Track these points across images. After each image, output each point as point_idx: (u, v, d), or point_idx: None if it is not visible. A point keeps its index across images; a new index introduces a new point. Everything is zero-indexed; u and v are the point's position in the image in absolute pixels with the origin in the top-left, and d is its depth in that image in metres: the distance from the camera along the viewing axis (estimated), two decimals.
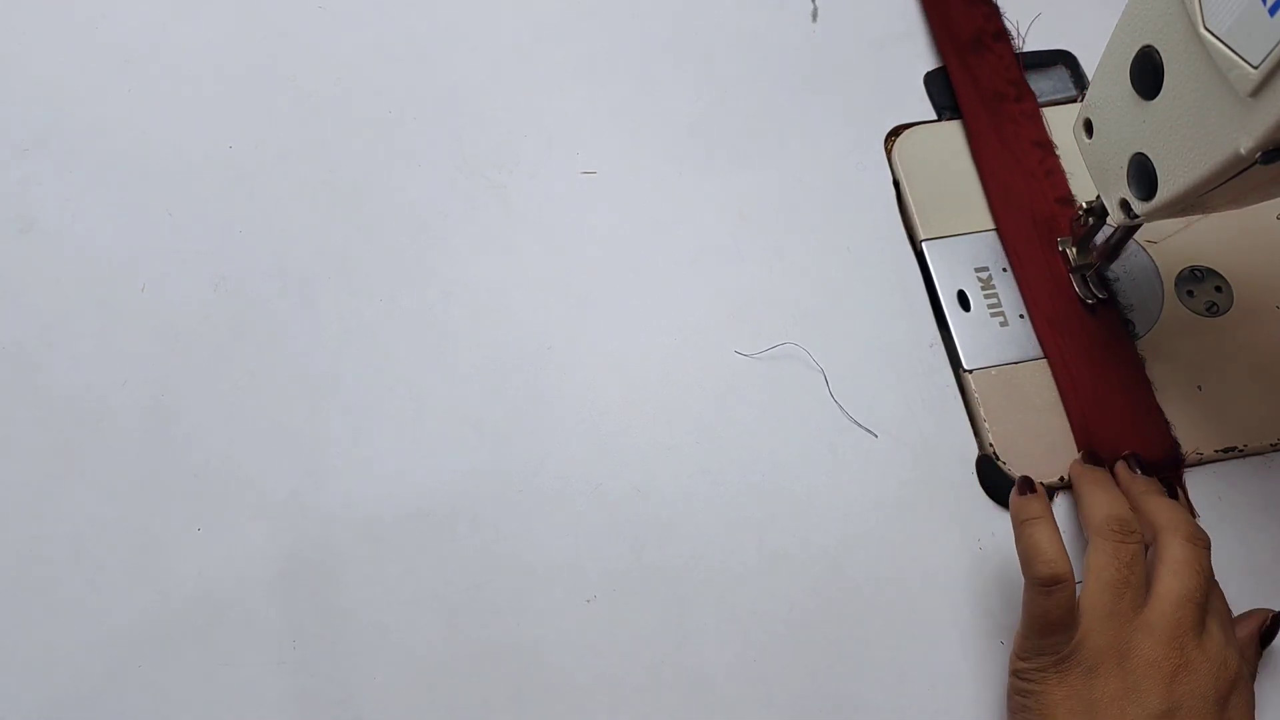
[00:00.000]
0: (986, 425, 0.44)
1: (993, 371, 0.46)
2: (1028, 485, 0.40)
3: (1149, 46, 0.35)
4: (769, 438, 0.44)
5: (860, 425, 0.45)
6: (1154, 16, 0.34)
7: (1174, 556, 0.37)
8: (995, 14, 0.54)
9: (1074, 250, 0.47)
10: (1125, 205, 0.39)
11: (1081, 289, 0.47)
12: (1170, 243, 0.48)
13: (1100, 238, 0.46)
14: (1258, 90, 0.30)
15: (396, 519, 0.43)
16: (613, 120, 0.53)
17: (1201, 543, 0.38)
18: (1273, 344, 0.46)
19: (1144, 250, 0.48)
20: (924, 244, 0.49)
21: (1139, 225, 0.42)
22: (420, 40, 0.55)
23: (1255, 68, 0.29)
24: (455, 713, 0.39)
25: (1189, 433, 0.44)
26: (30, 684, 0.40)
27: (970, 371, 0.46)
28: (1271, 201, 0.36)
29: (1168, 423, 0.44)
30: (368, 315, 0.47)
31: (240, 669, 0.40)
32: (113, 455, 0.44)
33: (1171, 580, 0.36)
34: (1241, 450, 0.44)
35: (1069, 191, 0.49)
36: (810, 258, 0.49)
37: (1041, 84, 0.53)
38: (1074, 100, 0.53)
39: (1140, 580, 0.37)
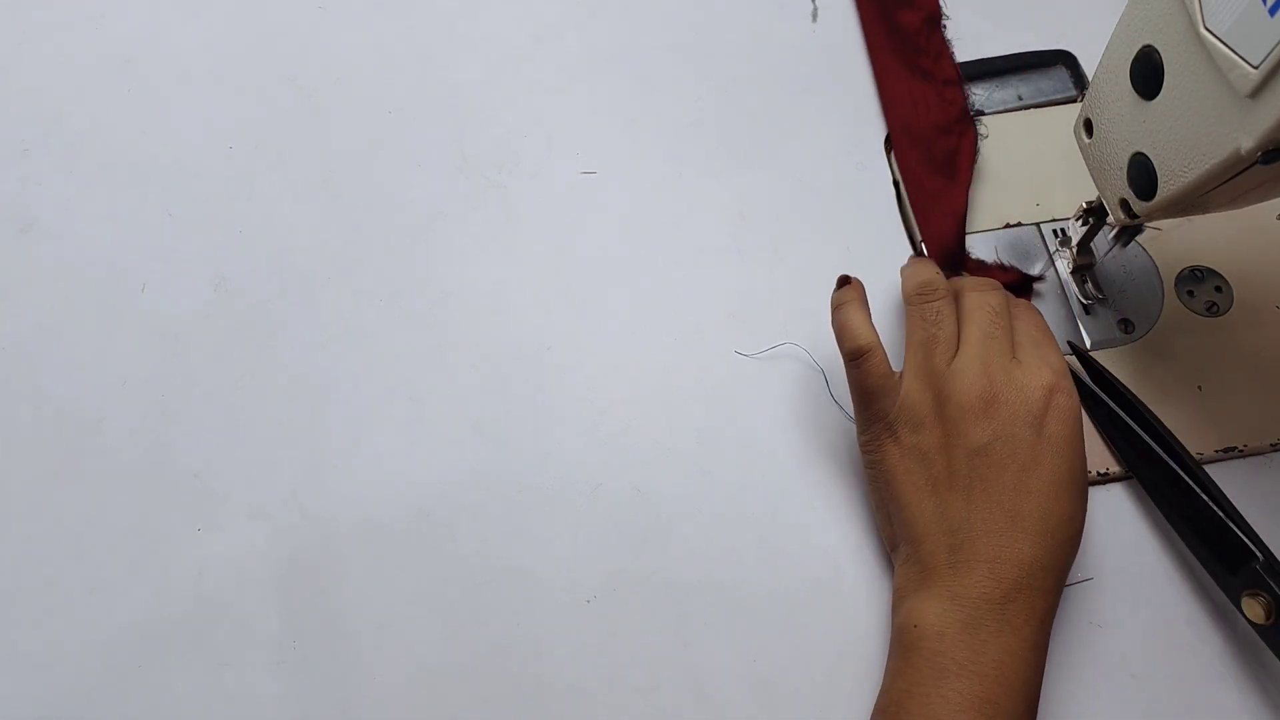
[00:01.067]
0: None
1: None
2: (845, 280, 0.43)
3: (1149, 46, 0.35)
4: (769, 438, 0.44)
5: None
6: (1154, 16, 0.34)
7: (965, 305, 0.41)
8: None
9: (1074, 250, 0.47)
10: (1125, 205, 0.39)
11: (1081, 289, 0.47)
12: (1170, 243, 0.48)
13: (1100, 238, 0.46)
14: (1258, 90, 0.30)
15: (396, 519, 0.43)
16: (613, 120, 0.53)
17: (988, 286, 0.42)
18: (1273, 344, 0.46)
19: (1144, 250, 0.48)
20: (924, 244, 0.49)
21: (1139, 225, 0.42)
22: (420, 40, 0.55)
23: (1255, 68, 0.29)
24: (455, 713, 0.39)
25: (1189, 433, 0.44)
26: (30, 684, 0.40)
27: None
28: (1271, 201, 0.36)
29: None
30: (368, 316, 0.47)
31: (240, 669, 0.40)
32: (112, 455, 0.44)
33: (968, 326, 0.40)
34: (1241, 450, 0.44)
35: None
36: (810, 258, 0.49)
37: (1041, 84, 0.53)
38: (1074, 100, 0.53)
39: (949, 335, 0.40)
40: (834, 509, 0.43)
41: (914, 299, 0.41)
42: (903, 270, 0.44)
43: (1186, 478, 0.40)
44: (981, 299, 0.41)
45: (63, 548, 0.42)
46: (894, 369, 0.41)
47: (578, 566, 0.42)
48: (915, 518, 0.38)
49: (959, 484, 0.37)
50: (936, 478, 0.38)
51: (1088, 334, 0.46)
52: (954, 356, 0.39)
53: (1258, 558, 0.37)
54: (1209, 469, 0.43)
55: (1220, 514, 0.39)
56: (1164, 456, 0.41)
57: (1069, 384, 0.39)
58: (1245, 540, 0.38)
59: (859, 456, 0.43)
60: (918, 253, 0.49)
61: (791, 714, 0.39)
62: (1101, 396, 0.43)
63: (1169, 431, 0.41)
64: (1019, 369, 0.38)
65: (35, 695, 0.39)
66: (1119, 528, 0.42)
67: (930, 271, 0.42)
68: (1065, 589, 0.38)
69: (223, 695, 0.40)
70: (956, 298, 0.42)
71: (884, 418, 0.40)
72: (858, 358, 0.40)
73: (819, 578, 0.42)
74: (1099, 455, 0.43)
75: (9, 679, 0.40)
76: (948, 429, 0.38)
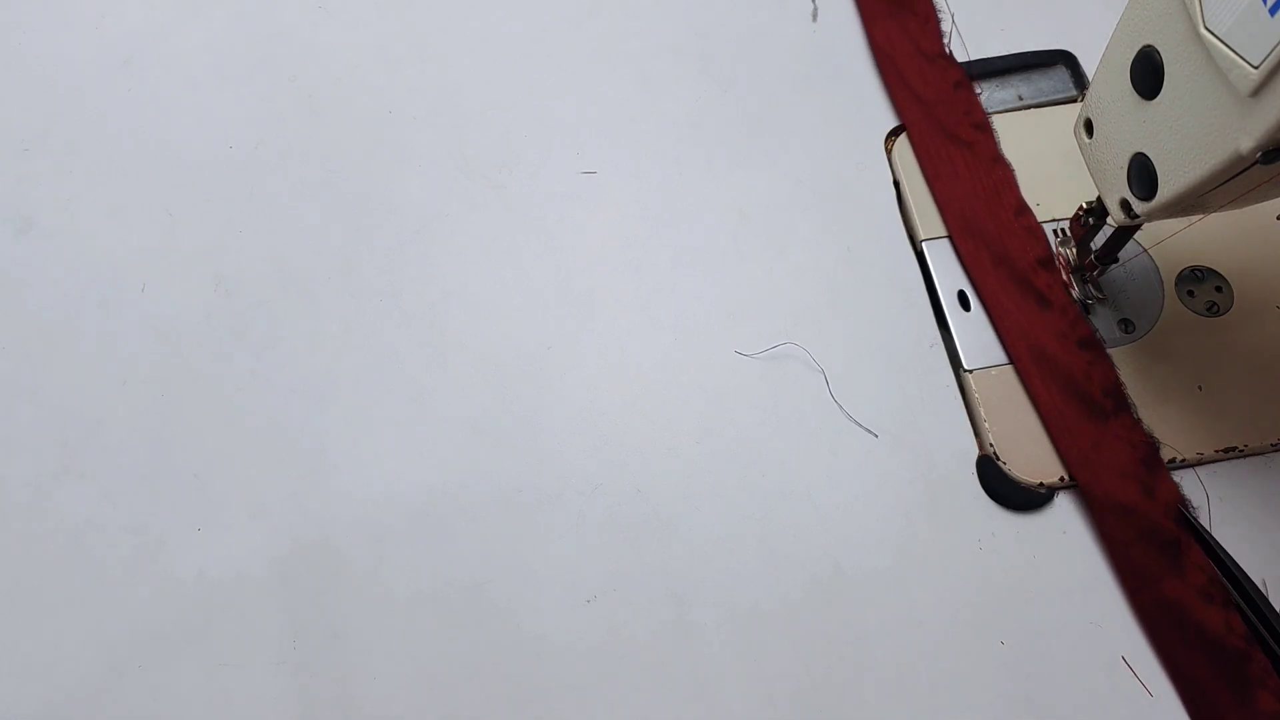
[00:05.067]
0: (986, 425, 0.44)
1: (993, 371, 0.46)
2: None
3: (1149, 46, 0.35)
4: (769, 438, 0.44)
5: (860, 425, 0.45)
6: (1154, 16, 0.34)
7: None
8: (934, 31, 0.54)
9: (1074, 250, 0.47)
10: (1125, 205, 0.39)
11: (1081, 289, 0.47)
12: (1170, 243, 0.48)
13: (1100, 238, 0.46)
14: (1258, 90, 0.30)
15: (396, 518, 0.43)
16: (613, 120, 0.53)
17: None
18: (1273, 344, 0.46)
19: (1144, 250, 0.48)
20: (924, 244, 0.49)
21: (1139, 225, 0.42)
22: (420, 40, 0.55)
23: (1255, 68, 0.29)
24: (455, 713, 0.39)
25: (1189, 433, 0.44)
26: (30, 684, 0.40)
27: (970, 371, 0.46)
28: (1271, 201, 0.36)
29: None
30: (368, 315, 0.47)
31: (240, 669, 0.40)
32: (113, 455, 0.44)
33: None
34: (1241, 450, 0.44)
35: (1026, 207, 0.49)
36: (810, 258, 0.49)
37: (1041, 84, 0.53)
38: (1074, 100, 0.53)
39: None
40: (833, 508, 0.43)
41: None
42: None
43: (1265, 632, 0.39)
44: None
45: (63, 548, 0.42)
46: None
47: (578, 566, 0.42)
48: None
49: None
50: None
51: None
52: None
53: None
54: (1209, 469, 0.44)
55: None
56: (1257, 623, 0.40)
57: None
58: None
59: (859, 458, 0.43)
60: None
61: (791, 714, 0.39)
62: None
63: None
64: None
65: (35, 695, 0.39)
66: None
67: None
68: None
69: (223, 695, 0.39)
70: None
71: None
72: None
73: (819, 578, 0.42)
74: None
75: (9, 679, 0.40)
76: None
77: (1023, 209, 0.48)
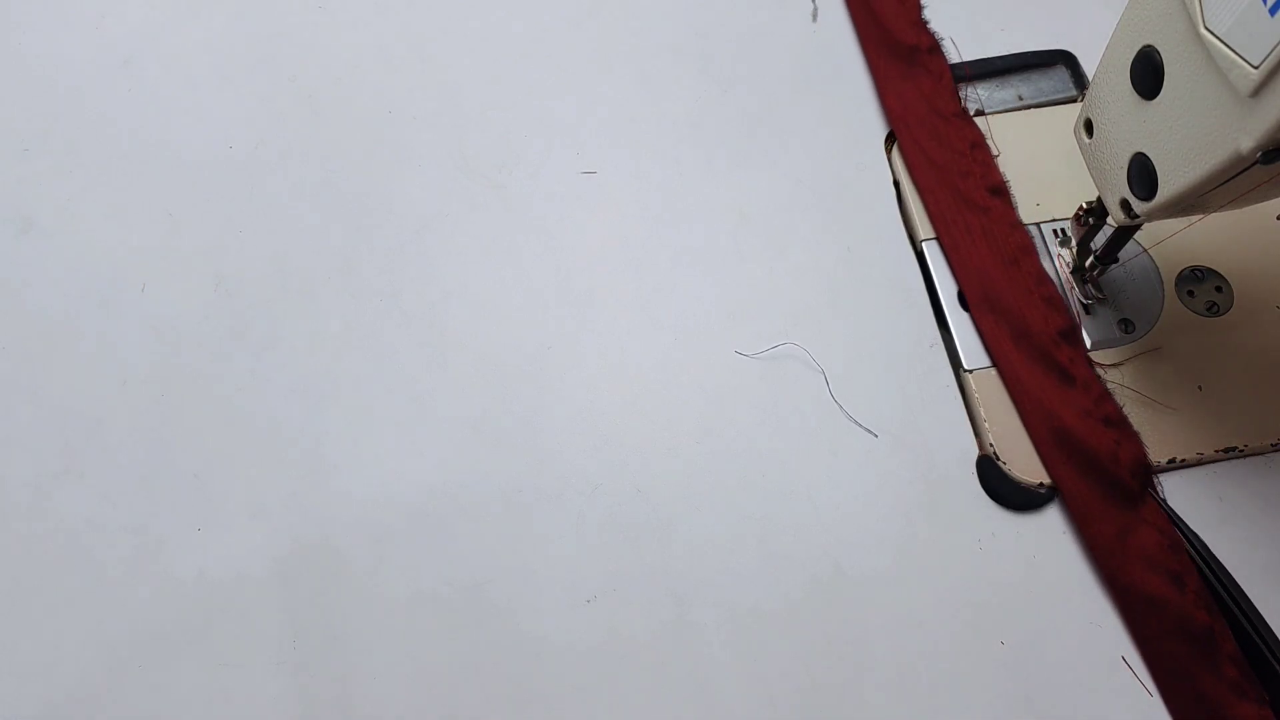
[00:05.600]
0: (986, 425, 0.44)
1: (993, 371, 0.46)
2: None
3: (1149, 46, 0.35)
4: (769, 438, 0.44)
5: (860, 425, 0.45)
6: (1154, 16, 0.34)
7: None
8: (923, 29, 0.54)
9: (1074, 250, 0.47)
10: (1125, 205, 0.39)
11: (1081, 290, 0.47)
12: (1170, 243, 0.48)
13: (1100, 238, 0.46)
14: (1258, 90, 0.30)
15: (396, 518, 0.43)
16: (613, 120, 0.53)
17: None
18: (1273, 344, 0.46)
19: (1144, 250, 0.48)
20: (924, 244, 0.49)
21: (1139, 225, 0.42)
22: (420, 40, 0.55)
23: (1255, 68, 0.29)
24: (455, 713, 0.39)
25: (1189, 433, 0.44)
26: (30, 684, 0.40)
27: (970, 371, 0.46)
28: (1271, 201, 0.36)
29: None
30: (368, 315, 0.47)
31: (240, 669, 0.40)
32: (113, 455, 0.44)
33: None
34: (1241, 450, 0.44)
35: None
36: (810, 258, 0.49)
37: (1041, 84, 0.53)
38: (1074, 100, 0.53)
39: None
40: (833, 508, 0.43)
41: None
42: None
43: (1243, 619, 0.39)
44: None
45: (63, 548, 0.42)
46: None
47: (578, 566, 0.42)
48: None
49: None
50: None
51: (1088, 334, 0.46)
52: None
53: None
54: (1209, 469, 0.43)
55: (1271, 656, 0.38)
56: (1225, 597, 0.40)
57: None
58: None
59: (859, 458, 0.43)
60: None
61: (791, 714, 0.39)
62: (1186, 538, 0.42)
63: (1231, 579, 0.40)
64: None
65: (35, 695, 0.39)
66: None
67: None
68: None
69: (223, 695, 0.40)
70: None
71: None
72: None
73: (819, 578, 0.42)
74: None
75: (9, 679, 0.40)
76: None
77: (1043, 279, 0.46)
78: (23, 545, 0.42)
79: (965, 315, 0.47)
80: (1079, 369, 0.44)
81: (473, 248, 0.49)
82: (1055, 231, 0.49)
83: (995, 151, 0.50)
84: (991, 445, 0.44)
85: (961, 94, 0.52)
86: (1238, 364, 0.45)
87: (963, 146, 0.50)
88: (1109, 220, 0.42)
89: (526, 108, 0.53)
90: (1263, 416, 0.44)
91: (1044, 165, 0.50)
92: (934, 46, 0.53)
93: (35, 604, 0.41)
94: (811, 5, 0.56)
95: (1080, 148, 0.42)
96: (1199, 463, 0.44)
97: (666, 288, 0.48)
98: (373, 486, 0.43)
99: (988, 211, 0.48)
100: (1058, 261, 0.48)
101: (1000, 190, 0.49)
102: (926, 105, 0.51)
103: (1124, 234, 0.44)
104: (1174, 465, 0.43)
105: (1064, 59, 0.54)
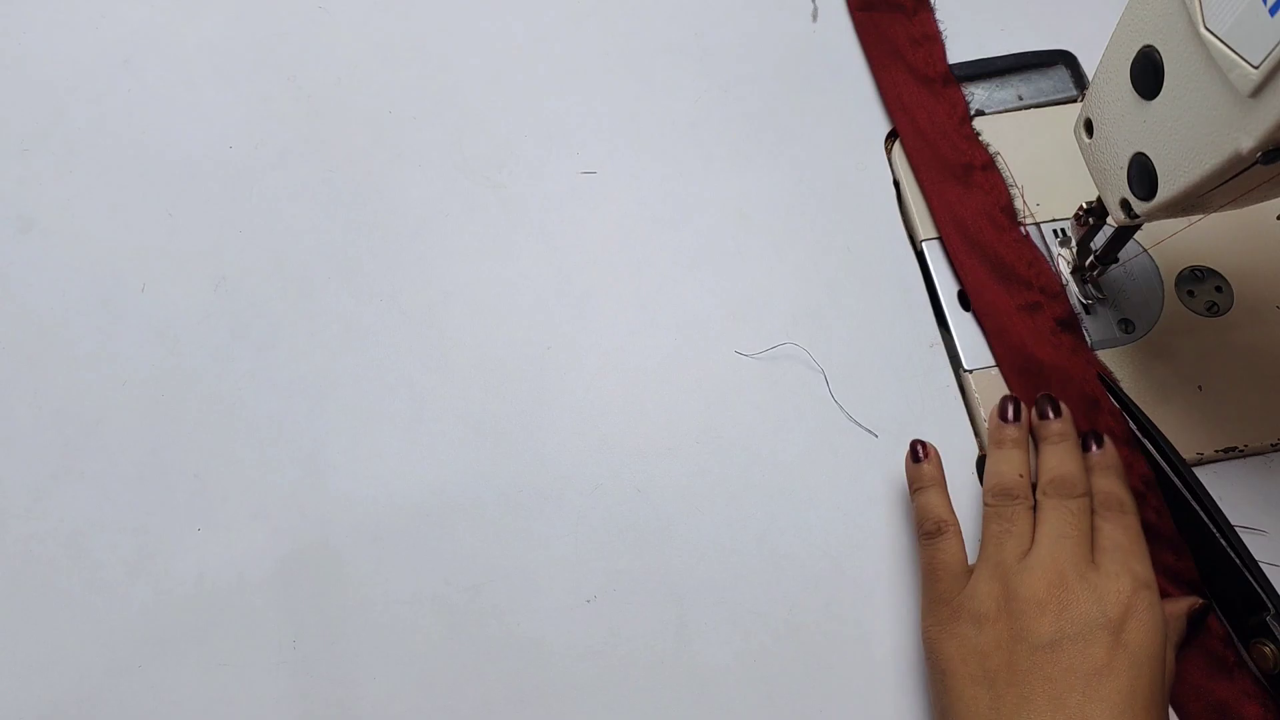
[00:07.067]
0: (986, 425, 0.44)
1: (993, 372, 0.46)
2: (919, 452, 0.42)
3: (1149, 46, 0.35)
4: (769, 438, 0.44)
5: (860, 425, 0.45)
6: (1154, 16, 0.34)
7: (1042, 508, 0.39)
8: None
9: (1074, 251, 0.47)
10: (1125, 205, 0.39)
11: (1081, 290, 0.47)
12: (1170, 243, 0.48)
13: (1100, 238, 0.46)
14: (1258, 90, 0.30)
15: (396, 519, 0.43)
16: (613, 120, 0.53)
17: (1068, 490, 0.39)
18: (1273, 344, 0.46)
19: (1144, 250, 0.48)
20: (924, 244, 0.49)
21: (1139, 225, 0.42)
22: (420, 40, 0.55)
23: (1255, 68, 0.29)
24: (455, 713, 0.39)
25: (1189, 433, 0.44)
26: (30, 684, 0.40)
27: (970, 371, 0.46)
28: (1271, 201, 0.36)
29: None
30: (368, 315, 0.47)
31: (240, 669, 0.40)
32: (113, 455, 0.44)
33: (1042, 526, 0.39)
34: (1241, 450, 0.44)
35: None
36: (810, 258, 0.49)
37: (1041, 84, 0.53)
38: (1074, 100, 0.53)
39: (1024, 531, 0.39)
40: (833, 508, 0.43)
41: (991, 500, 0.40)
42: (989, 443, 0.43)
43: (1209, 523, 0.40)
44: (1059, 504, 0.39)
45: (63, 548, 0.42)
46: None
47: (578, 566, 0.42)
48: (965, 713, 0.35)
49: (1018, 681, 0.34)
50: (994, 673, 0.35)
51: (1088, 334, 0.46)
52: (1027, 553, 0.38)
53: (1269, 609, 0.37)
54: (1209, 469, 0.44)
55: (1238, 561, 0.38)
56: (1190, 500, 0.40)
57: (1153, 596, 0.36)
58: (1260, 591, 0.38)
59: (859, 458, 0.43)
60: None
61: (791, 714, 0.39)
62: (1136, 434, 0.42)
63: (1195, 478, 0.41)
64: (1096, 572, 0.36)
65: (35, 695, 0.39)
66: None
67: (1011, 472, 0.41)
68: None
69: (223, 694, 0.40)
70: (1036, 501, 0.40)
71: (949, 600, 0.38)
72: (934, 535, 0.40)
73: (819, 577, 0.42)
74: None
75: (9, 679, 0.40)
76: (1012, 623, 0.36)
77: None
78: (22, 545, 0.42)
79: (965, 315, 0.47)
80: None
81: (472, 248, 0.49)
82: (1055, 231, 0.49)
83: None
84: None
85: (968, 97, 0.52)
86: (1238, 364, 0.45)
87: (1027, 252, 0.48)
88: (1109, 220, 0.42)
89: (526, 108, 0.53)
90: (1263, 416, 0.44)
91: (1044, 165, 0.50)
92: (988, 163, 0.50)
93: (35, 604, 0.41)
94: (811, 5, 0.56)
95: (1080, 148, 0.42)
96: (1199, 463, 0.44)
97: (666, 288, 0.48)
98: (372, 486, 0.43)
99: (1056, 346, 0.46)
100: (1058, 261, 0.48)
101: (1072, 324, 0.46)
102: (985, 216, 0.49)
103: (1124, 234, 0.44)
104: None
105: (1064, 59, 0.54)
